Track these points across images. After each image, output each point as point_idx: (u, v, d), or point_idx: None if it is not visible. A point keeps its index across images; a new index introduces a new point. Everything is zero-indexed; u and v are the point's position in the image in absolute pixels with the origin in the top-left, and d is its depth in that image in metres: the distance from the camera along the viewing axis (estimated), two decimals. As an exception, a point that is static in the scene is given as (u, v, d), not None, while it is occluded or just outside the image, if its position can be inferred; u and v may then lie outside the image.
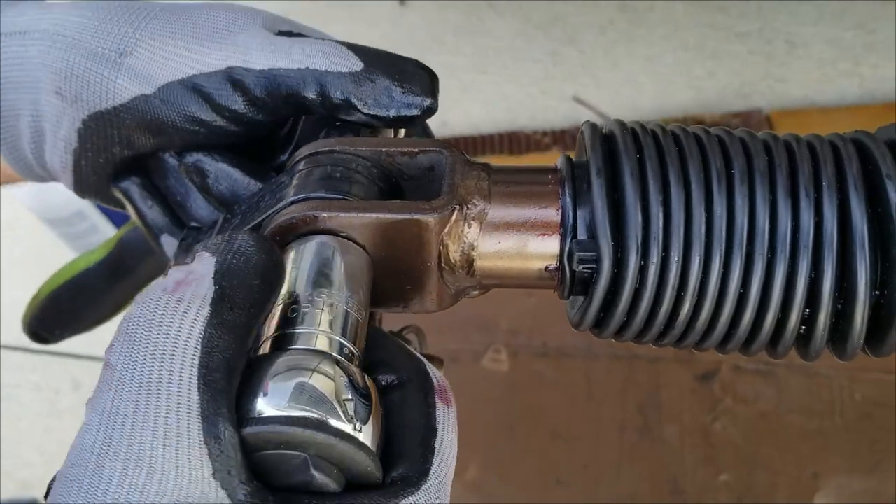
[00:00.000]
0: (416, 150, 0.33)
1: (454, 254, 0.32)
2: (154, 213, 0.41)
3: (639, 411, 0.99)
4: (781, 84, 1.24)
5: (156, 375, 0.23)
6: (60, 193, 0.94)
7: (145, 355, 0.23)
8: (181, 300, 0.25)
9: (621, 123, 0.32)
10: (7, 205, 1.26)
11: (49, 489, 0.24)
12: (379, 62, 0.35)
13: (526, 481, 0.97)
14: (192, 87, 0.36)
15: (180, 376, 0.23)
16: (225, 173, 0.38)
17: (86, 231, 1.00)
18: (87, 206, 0.97)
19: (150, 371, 0.23)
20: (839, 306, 0.30)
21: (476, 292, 0.34)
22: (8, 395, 1.12)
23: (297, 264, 0.29)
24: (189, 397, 0.23)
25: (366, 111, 0.35)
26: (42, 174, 0.43)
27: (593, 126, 0.33)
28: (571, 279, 0.32)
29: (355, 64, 0.35)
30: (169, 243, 0.42)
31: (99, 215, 0.99)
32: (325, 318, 0.27)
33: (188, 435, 0.22)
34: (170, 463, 0.22)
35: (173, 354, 0.23)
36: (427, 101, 0.35)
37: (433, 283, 0.32)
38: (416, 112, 0.35)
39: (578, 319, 0.33)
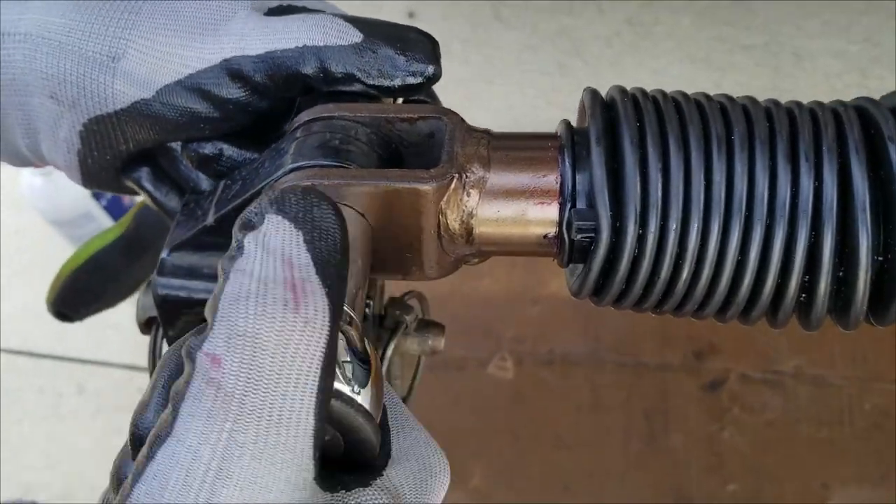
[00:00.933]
0: (416, 116, 0.33)
1: (453, 222, 0.32)
2: (168, 198, 0.40)
3: (645, 420, 0.98)
4: (788, 96, 1.23)
5: (278, 406, 0.22)
6: (68, 194, 0.95)
7: (269, 384, 0.22)
8: (307, 321, 0.22)
9: (622, 90, 0.32)
10: (14, 211, 1.26)
11: None
12: (379, 32, 0.35)
13: (531, 489, 0.96)
14: (191, 85, 0.35)
15: (301, 404, 0.22)
16: (228, 156, 0.38)
17: (92, 232, 1.01)
18: (94, 208, 0.98)
19: (272, 401, 0.22)
20: (841, 273, 0.30)
21: (476, 259, 0.34)
22: (11, 399, 1.12)
23: None
24: (307, 427, 0.22)
25: (369, 82, 0.34)
26: (37, 163, 0.42)
27: (594, 92, 0.33)
28: (570, 247, 0.32)
29: (355, 35, 0.35)
30: None
31: (105, 216, 1.00)
32: None
33: (303, 469, 0.22)
34: (284, 495, 0.21)
35: (297, 383, 0.22)
36: (430, 68, 0.35)
37: (432, 250, 0.32)
38: (420, 80, 0.34)
39: (577, 287, 0.33)
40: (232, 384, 0.22)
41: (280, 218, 0.24)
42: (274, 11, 0.38)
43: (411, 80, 0.34)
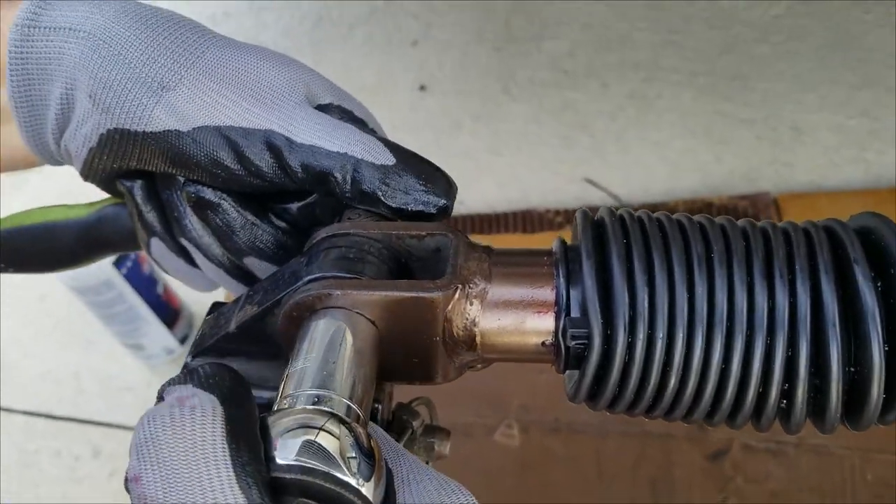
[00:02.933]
0: (424, 233, 0.36)
1: (457, 329, 0.35)
2: (151, 216, 0.43)
3: (650, 489, 0.99)
4: (788, 168, 1.28)
5: (197, 491, 0.23)
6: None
7: (182, 480, 0.24)
8: (194, 406, 0.25)
9: (610, 211, 0.35)
10: (41, 279, 1.30)
11: None
12: (409, 160, 0.38)
13: (536, 559, 0.97)
14: (227, 136, 0.37)
15: (220, 483, 0.24)
16: (225, 210, 0.40)
17: (112, 300, 1.04)
18: (114, 276, 1.01)
19: (192, 493, 0.23)
20: (817, 382, 0.32)
21: (480, 365, 0.37)
22: (28, 461, 1.14)
23: (311, 336, 0.32)
24: (234, 498, 0.24)
25: (390, 203, 0.38)
26: (59, 159, 0.44)
27: (585, 213, 0.36)
28: (566, 354, 0.34)
29: (389, 158, 0.38)
30: (157, 246, 0.44)
31: (125, 284, 1.03)
32: None
33: None
34: None
35: (207, 465, 0.24)
36: (443, 202, 0.38)
37: (439, 356, 0.35)
38: (433, 210, 0.38)
39: (574, 392, 0.35)
40: (152, 494, 0.24)
41: (177, 385, 0.27)
42: (323, 108, 0.41)
43: (425, 209, 0.38)
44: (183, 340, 1.18)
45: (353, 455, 0.26)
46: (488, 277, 0.35)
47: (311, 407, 0.28)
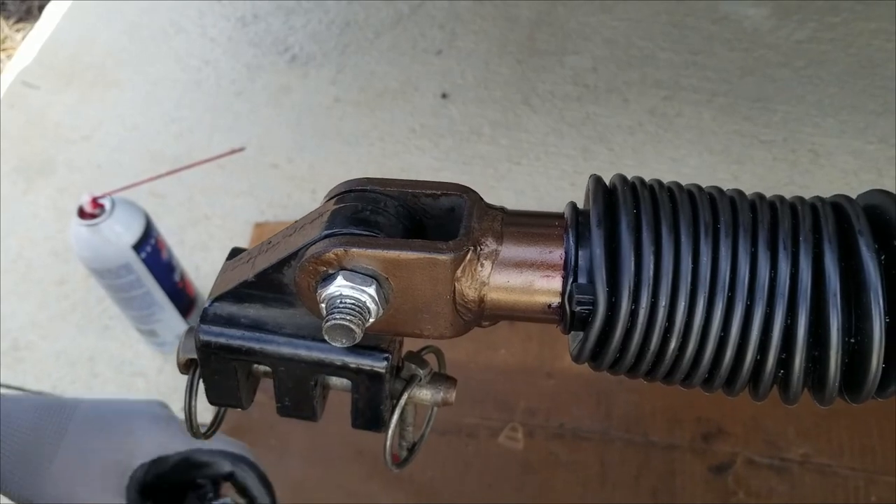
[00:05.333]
0: (440, 192, 0.37)
1: (467, 289, 0.36)
2: None
3: (651, 498, 0.99)
4: (805, 191, 1.27)
5: None
6: (111, 245, 1.00)
7: None
8: None
9: (623, 178, 0.36)
10: (60, 261, 1.33)
11: None
12: None
13: (535, 561, 0.97)
14: None
15: None
16: None
17: (130, 284, 1.05)
18: (134, 261, 1.03)
19: None
20: (815, 352, 0.33)
21: (487, 323, 0.38)
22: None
23: None
24: None
25: None
26: None
27: (597, 179, 0.37)
28: (571, 317, 0.35)
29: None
30: None
31: (143, 268, 1.04)
32: None
33: None
34: None
35: None
36: None
37: (448, 313, 0.36)
38: None
39: (577, 352, 0.36)
40: None
41: None
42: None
43: None
44: (196, 330, 1.19)
45: None
46: (500, 239, 0.36)
47: None
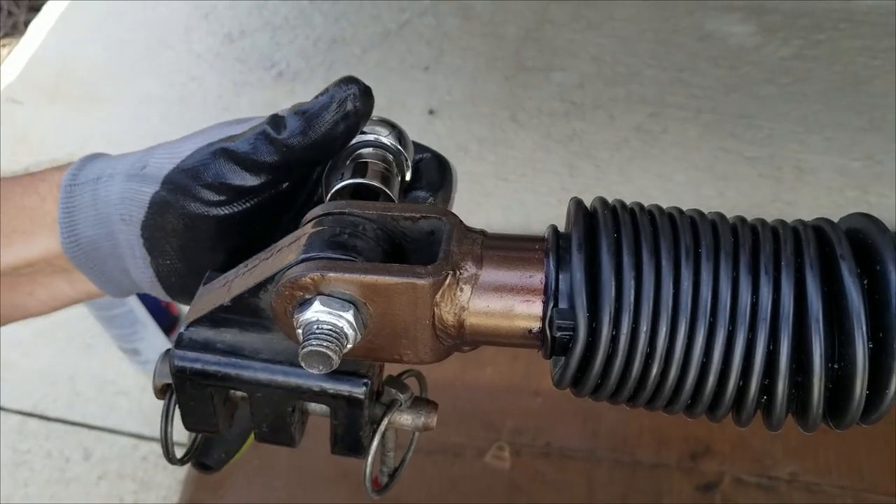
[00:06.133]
0: (418, 215, 0.36)
1: (447, 314, 0.35)
2: None
3: (639, 518, 0.99)
4: (790, 207, 1.29)
5: None
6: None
7: None
8: None
9: (603, 201, 0.36)
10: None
11: None
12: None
13: (521, 583, 0.96)
14: (187, 169, 0.41)
15: None
16: None
17: (113, 302, 1.04)
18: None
19: None
20: (798, 378, 0.33)
21: (467, 347, 0.37)
22: (19, 461, 1.13)
23: None
24: None
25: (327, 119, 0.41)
26: (131, 287, 0.48)
27: (578, 202, 0.37)
28: (552, 343, 0.34)
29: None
30: None
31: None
32: None
33: None
34: None
35: None
36: (352, 85, 0.43)
37: (428, 338, 0.35)
38: (353, 93, 0.42)
39: (558, 378, 0.35)
40: None
41: None
42: None
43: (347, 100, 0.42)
44: (180, 348, 1.18)
45: None
46: (480, 262, 0.35)
47: None
